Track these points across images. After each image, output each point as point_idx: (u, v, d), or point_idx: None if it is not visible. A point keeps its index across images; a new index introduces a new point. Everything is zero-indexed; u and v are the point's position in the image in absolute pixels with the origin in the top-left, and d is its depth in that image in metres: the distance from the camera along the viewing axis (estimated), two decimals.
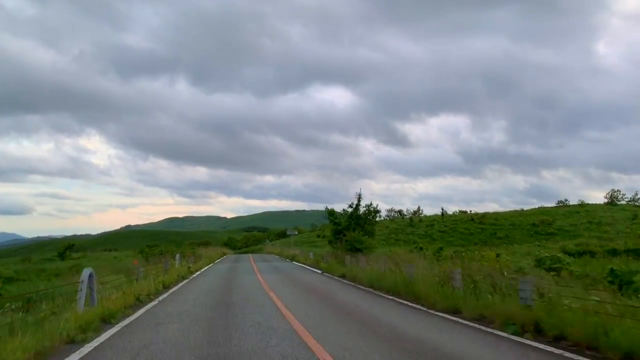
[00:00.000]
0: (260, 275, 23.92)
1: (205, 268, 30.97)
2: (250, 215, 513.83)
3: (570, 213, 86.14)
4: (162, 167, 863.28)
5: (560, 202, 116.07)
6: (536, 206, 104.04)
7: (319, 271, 27.00)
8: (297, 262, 37.83)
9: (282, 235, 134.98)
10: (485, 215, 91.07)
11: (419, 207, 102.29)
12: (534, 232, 78.07)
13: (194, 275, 24.75)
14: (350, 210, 35.14)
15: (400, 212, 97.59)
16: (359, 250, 27.87)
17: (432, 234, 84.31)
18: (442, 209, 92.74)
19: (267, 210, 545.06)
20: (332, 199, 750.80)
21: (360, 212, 35.16)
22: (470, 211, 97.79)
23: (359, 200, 35.32)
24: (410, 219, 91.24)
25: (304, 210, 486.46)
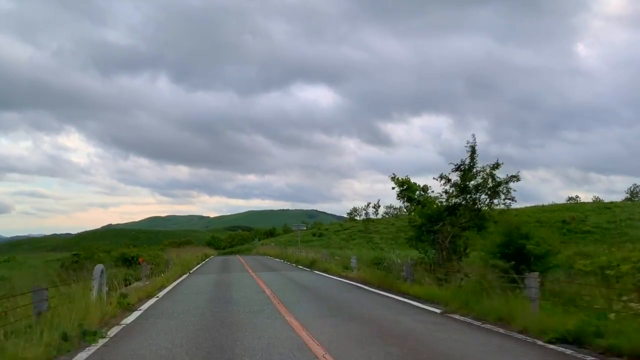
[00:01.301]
0: (301, 320, 9.11)
1: (167, 289, 16.00)
2: (234, 215, 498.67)
3: (600, 209, 74.61)
4: (143, 165, 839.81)
5: (572, 198, 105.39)
6: (540, 203, 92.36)
7: (437, 310, 10.63)
8: (332, 274, 21.50)
9: (270, 234, 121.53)
10: (503, 212, 78.90)
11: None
12: (566, 231, 66.10)
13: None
14: (459, 174, 16.00)
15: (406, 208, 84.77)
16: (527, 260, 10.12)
17: None
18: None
19: (250, 209, 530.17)
20: (316, 199, 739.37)
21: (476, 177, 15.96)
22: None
23: (473, 156, 15.88)
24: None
25: (287, 209, 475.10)
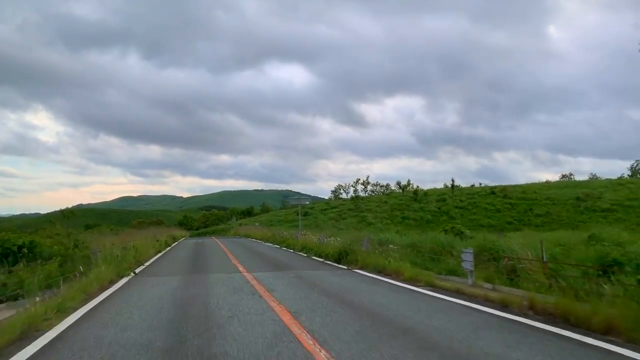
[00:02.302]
0: None
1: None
2: (207, 195, 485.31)
3: (613, 185, 67.11)
4: (114, 145, 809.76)
5: (565, 175, 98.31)
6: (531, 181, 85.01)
7: None
8: (416, 284, 9.89)
9: (248, 213, 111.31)
10: (506, 188, 70.85)
11: (409, 181, 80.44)
12: (584, 209, 58.25)
13: None
14: None
15: (400, 184, 75.92)
16: None
17: (449, 211, 63.24)
18: (453, 181, 71.91)
19: (224, 189, 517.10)
20: (290, 179, 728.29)
21: None
22: (481, 184, 77.74)
23: None
24: (415, 192, 69.90)
25: (262, 190, 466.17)
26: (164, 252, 22.81)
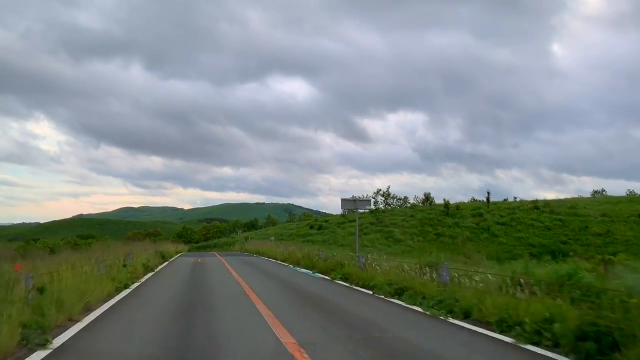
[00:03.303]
0: None
1: None
2: (209, 207, 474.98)
3: None
4: (115, 155, 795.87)
5: (597, 192, 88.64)
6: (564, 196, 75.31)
7: None
8: None
9: (252, 226, 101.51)
10: (549, 202, 61.31)
11: (429, 194, 70.14)
12: None
13: None
14: None
15: (428, 199, 66.19)
16: None
17: (489, 228, 53.48)
18: (488, 194, 62.33)
19: (226, 202, 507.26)
20: (291, 194, 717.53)
21: None
22: (516, 198, 68.18)
23: None
24: (446, 206, 60.30)
25: (263, 203, 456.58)
26: (145, 279, 13.29)
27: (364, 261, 13.69)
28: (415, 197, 74.47)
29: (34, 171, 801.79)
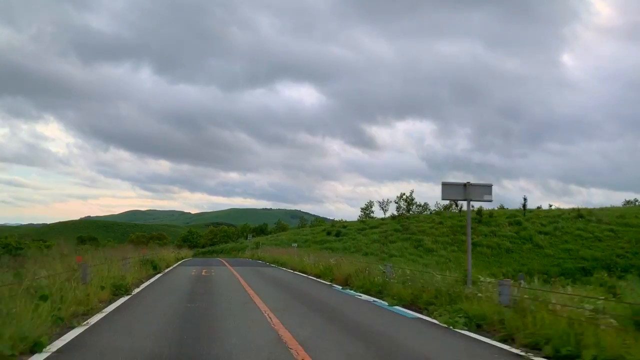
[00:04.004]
0: None
1: None
2: (215, 212, 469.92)
3: None
4: (124, 158, 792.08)
5: (629, 202, 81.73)
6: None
7: None
8: None
9: (261, 231, 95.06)
10: (592, 211, 54.48)
11: (450, 201, 63.42)
12: None
13: None
14: None
15: (457, 203, 59.46)
16: None
17: (531, 237, 46.77)
18: (525, 200, 55.63)
19: (232, 207, 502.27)
20: (297, 200, 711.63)
21: None
22: (551, 206, 61.35)
23: None
24: (479, 212, 53.70)
25: (270, 209, 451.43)
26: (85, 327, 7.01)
27: (508, 295, 7.21)
28: (437, 203, 67.91)
29: (43, 172, 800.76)
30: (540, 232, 47.74)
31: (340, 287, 12.97)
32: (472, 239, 40.20)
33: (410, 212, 66.05)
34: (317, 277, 16.69)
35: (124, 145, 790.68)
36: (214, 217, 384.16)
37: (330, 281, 14.89)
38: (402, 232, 52.18)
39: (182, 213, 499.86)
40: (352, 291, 12.16)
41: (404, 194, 62.27)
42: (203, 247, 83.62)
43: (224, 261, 31.87)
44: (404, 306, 9.42)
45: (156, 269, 17.39)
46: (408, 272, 11.31)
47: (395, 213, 61.57)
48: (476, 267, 42.40)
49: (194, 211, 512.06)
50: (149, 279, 14.56)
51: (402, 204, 61.42)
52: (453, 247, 45.96)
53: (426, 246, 46.30)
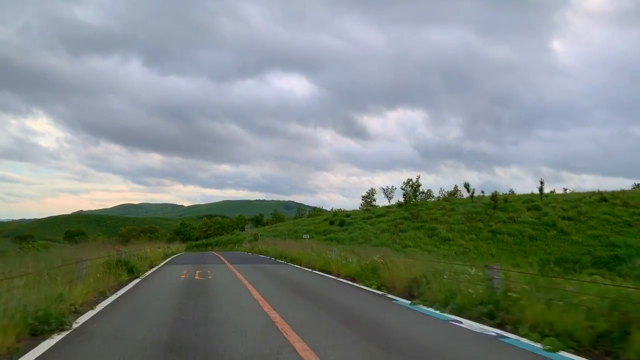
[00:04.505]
0: None
1: None
2: (208, 204, 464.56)
3: None
4: (115, 152, 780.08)
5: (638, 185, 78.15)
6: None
7: None
8: None
9: (257, 222, 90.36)
10: (614, 193, 50.43)
11: (468, 184, 58.54)
12: None
13: None
14: None
15: (468, 188, 55.16)
16: None
17: (555, 223, 42.57)
18: (542, 183, 51.44)
19: (225, 199, 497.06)
20: (290, 191, 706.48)
21: None
22: (565, 190, 57.25)
23: None
24: (494, 197, 49.45)
25: (263, 200, 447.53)
26: None
27: None
28: (441, 190, 63.39)
29: (34, 167, 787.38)
30: (563, 218, 43.56)
31: (408, 302, 8.42)
32: (490, 226, 35.44)
33: (416, 199, 61.68)
34: (351, 281, 12.13)
35: (115, 139, 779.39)
36: (207, 210, 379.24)
37: (378, 288, 10.34)
38: (412, 220, 47.82)
39: (175, 206, 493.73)
40: (432, 310, 7.63)
41: (411, 179, 57.76)
42: (197, 239, 78.90)
43: (220, 256, 27.28)
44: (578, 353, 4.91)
45: (133, 273, 12.72)
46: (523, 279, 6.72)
47: (402, 200, 57.12)
48: (500, 258, 38.11)
49: (186, 204, 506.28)
50: (117, 290, 9.91)
51: (409, 190, 56.89)
52: (470, 235, 41.68)
53: (441, 235, 41.98)
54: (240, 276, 13.46)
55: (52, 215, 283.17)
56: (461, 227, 43.70)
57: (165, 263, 20.11)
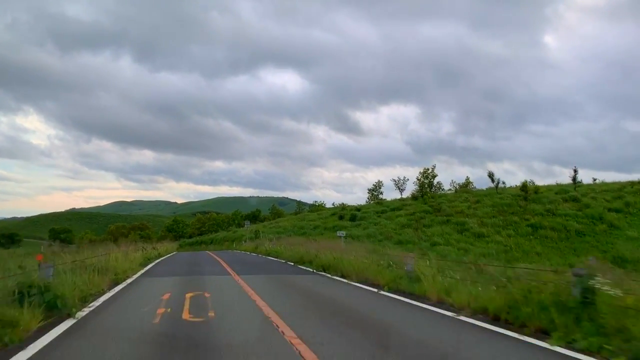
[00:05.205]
0: None
1: None
2: (202, 201, 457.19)
3: None
4: (107, 149, 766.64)
5: None
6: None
7: None
8: None
9: (254, 217, 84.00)
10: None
11: (492, 173, 51.97)
12: None
13: None
14: None
15: (492, 177, 48.99)
16: None
17: (602, 216, 36.61)
18: (575, 172, 45.64)
19: (219, 196, 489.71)
20: (284, 187, 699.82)
21: None
22: (595, 179, 51.42)
23: None
24: (524, 188, 43.52)
25: (257, 196, 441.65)
26: None
27: None
28: (452, 182, 57.26)
29: (25, 165, 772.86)
30: (610, 210, 37.75)
31: None
32: (527, 219, 28.41)
33: (431, 190, 55.59)
34: (488, 320, 6.01)
35: (107, 136, 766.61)
36: (201, 206, 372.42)
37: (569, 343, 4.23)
38: (433, 214, 41.81)
39: (168, 203, 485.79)
40: None
41: (427, 169, 51.69)
42: (190, 237, 72.50)
43: (219, 259, 21.02)
44: None
45: (56, 308, 6.34)
46: None
47: (416, 192, 51.10)
48: (549, 257, 32.07)
49: (180, 201, 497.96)
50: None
51: (425, 182, 50.86)
52: (507, 230, 35.71)
53: (473, 230, 36.00)
54: (260, 302, 7.22)
55: (44, 212, 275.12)
56: (494, 220, 37.73)
57: (143, 273, 13.80)
